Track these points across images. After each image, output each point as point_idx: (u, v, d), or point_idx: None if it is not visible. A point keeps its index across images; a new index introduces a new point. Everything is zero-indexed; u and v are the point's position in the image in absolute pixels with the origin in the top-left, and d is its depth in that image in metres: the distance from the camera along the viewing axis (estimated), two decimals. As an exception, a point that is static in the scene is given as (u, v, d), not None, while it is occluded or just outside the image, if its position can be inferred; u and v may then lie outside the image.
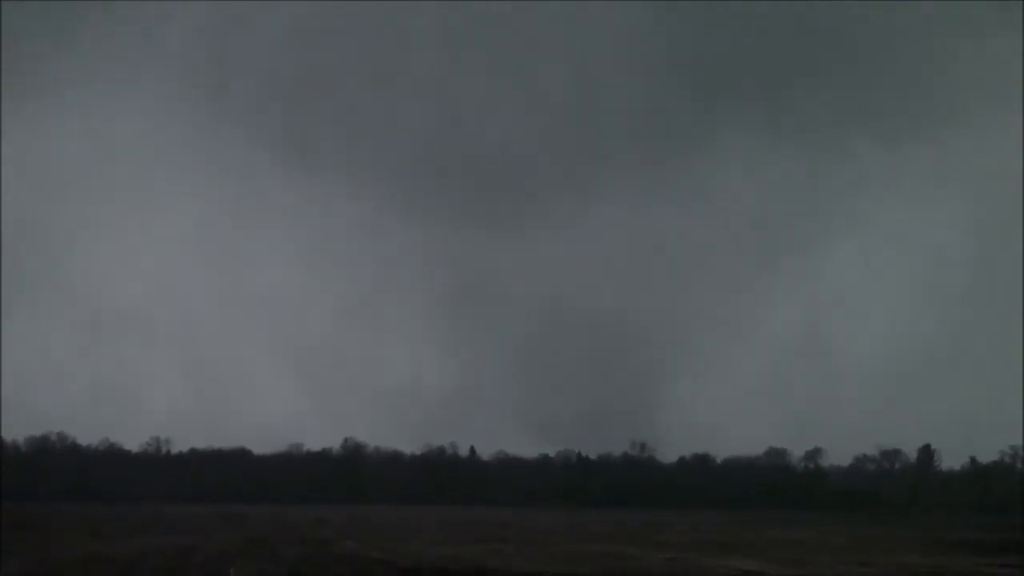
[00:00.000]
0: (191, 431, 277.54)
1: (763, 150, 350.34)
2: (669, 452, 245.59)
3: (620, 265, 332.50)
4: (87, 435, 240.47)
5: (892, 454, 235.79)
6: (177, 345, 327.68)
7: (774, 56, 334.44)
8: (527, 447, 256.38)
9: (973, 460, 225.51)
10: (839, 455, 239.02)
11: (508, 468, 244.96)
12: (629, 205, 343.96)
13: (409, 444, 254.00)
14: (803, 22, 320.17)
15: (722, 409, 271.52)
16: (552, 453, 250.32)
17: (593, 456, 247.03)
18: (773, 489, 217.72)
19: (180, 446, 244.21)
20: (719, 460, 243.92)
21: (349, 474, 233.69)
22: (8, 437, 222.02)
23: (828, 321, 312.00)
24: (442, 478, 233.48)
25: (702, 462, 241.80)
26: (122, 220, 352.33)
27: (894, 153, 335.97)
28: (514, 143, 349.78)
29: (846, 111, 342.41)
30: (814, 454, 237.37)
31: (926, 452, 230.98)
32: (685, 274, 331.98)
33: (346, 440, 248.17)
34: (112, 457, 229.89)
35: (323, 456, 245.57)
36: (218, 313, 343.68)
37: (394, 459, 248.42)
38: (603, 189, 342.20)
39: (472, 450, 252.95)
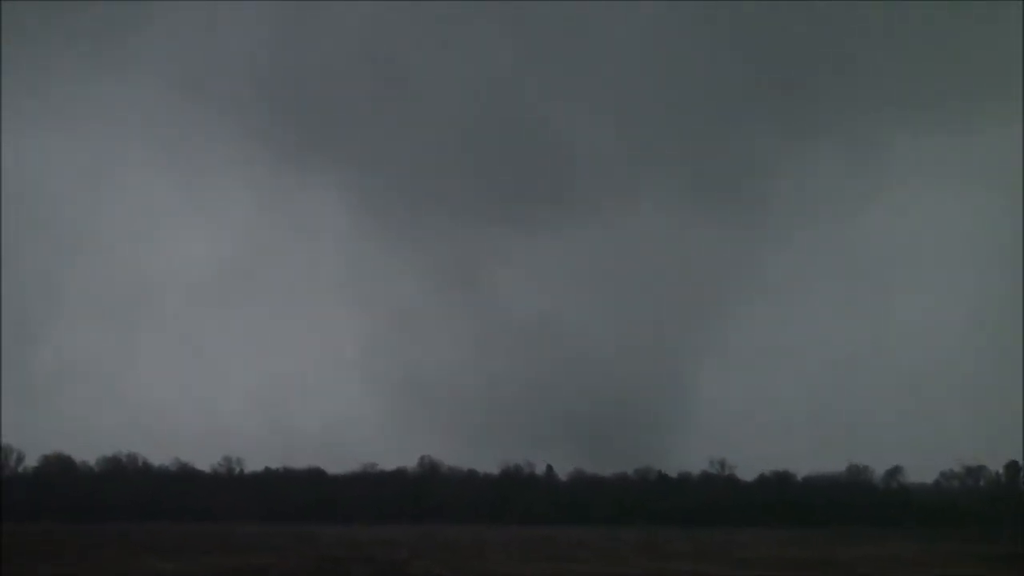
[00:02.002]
0: (264, 450, 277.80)
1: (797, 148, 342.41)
2: (748, 470, 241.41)
3: (668, 277, 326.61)
4: (158, 455, 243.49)
5: (976, 471, 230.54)
6: (250, 364, 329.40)
7: (799, 53, 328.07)
8: (604, 466, 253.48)
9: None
10: (923, 472, 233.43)
11: (585, 487, 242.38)
12: (667, 210, 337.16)
13: (485, 463, 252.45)
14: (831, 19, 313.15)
15: (796, 427, 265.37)
16: (630, 471, 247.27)
17: (672, 474, 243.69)
18: (854, 506, 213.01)
19: (253, 466, 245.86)
20: (799, 478, 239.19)
21: (424, 493, 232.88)
22: (78, 458, 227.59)
23: (887, 331, 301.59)
24: (518, 497, 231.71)
25: (782, 480, 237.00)
26: (166, 227, 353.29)
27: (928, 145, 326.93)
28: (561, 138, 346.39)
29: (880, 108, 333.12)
30: (895, 471, 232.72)
31: (1012, 468, 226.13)
32: (734, 285, 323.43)
33: (422, 459, 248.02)
34: (184, 477, 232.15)
35: (398, 475, 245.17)
36: (290, 328, 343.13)
37: (470, 478, 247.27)
38: (641, 193, 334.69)
39: (549, 468, 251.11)
